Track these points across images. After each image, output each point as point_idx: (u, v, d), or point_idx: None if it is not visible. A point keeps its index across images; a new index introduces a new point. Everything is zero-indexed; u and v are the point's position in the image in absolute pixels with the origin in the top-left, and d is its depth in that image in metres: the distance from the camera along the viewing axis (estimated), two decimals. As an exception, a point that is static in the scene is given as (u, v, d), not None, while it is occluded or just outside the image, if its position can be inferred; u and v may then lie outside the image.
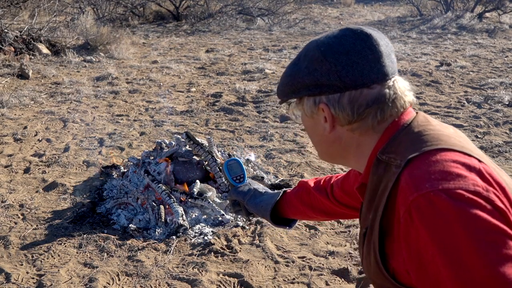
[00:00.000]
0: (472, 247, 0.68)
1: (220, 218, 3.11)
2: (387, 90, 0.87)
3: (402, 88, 0.89)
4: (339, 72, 0.86)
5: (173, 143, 3.66)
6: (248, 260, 2.72)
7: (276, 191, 1.41)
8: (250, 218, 1.49)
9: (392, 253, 0.81)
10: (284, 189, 1.42)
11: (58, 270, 2.64)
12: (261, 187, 1.43)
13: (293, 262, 2.71)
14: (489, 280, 0.67)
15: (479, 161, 0.79)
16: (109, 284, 2.55)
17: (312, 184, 1.34)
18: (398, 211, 0.77)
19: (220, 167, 3.38)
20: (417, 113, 0.91)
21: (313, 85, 0.89)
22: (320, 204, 1.31)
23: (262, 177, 3.54)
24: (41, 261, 2.73)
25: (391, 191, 0.79)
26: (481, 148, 4.32)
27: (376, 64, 0.86)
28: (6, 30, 7.99)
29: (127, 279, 2.59)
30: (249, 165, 3.75)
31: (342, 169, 3.88)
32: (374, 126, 0.88)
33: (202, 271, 2.63)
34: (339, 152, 0.96)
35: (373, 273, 0.86)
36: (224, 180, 3.31)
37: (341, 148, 0.94)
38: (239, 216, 3.10)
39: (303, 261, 2.73)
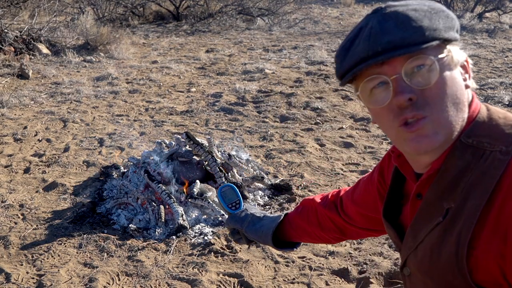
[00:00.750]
0: None
1: (220, 218, 3.11)
2: None
3: None
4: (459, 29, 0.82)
5: (173, 143, 3.66)
6: (248, 260, 2.72)
7: (276, 214, 1.33)
8: (252, 245, 1.42)
9: (478, 244, 0.75)
10: (285, 212, 1.34)
11: (58, 270, 2.64)
12: (258, 212, 1.34)
13: (293, 262, 2.71)
14: None
15: None
16: (109, 284, 2.55)
17: (318, 200, 1.25)
18: (503, 198, 0.73)
19: (220, 167, 3.38)
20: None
21: (457, 30, 0.82)
22: (328, 222, 1.22)
23: (262, 177, 3.54)
24: (41, 261, 2.73)
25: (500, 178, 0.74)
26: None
27: None
28: (6, 30, 7.99)
29: (127, 279, 2.59)
30: (249, 165, 3.75)
31: (342, 169, 3.88)
32: None
33: (202, 271, 2.64)
34: (460, 119, 0.82)
35: (442, 266, 0.79)
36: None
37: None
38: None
39: (303, 261, 2.73)
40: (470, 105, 0.82)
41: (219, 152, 3.63)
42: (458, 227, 0.77)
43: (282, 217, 1.30)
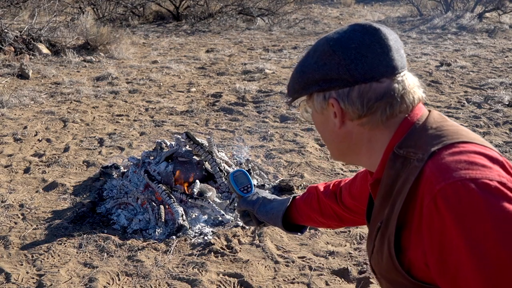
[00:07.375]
0: (499, 240, 0.67)
1: (220, 218, 3.11)
2: (396, 85, 0.87)
3: (412, 84, 0.89)
4: (348, 65, 0.86)
5: (173, 144, 3.66)
6: (248, 260, 2.72)
7: (285, 197, 1.39)
8: (261, 227, 1.47)
9: (409, 245, 0.80)
10: (294, 194, 1.39)
11: (58, 270, 2.64)
12: (269, 195, 1.42)
13: (293, 262, 2.71)
14: None
15: (500, 155, 0.80)
16: (109, 284, 2.55)
17: (321, 189, 1.33)
18: (420, 202, 0.77)
19: (220, 167, 3.38)
20: (429, 110, 0.92)
21: (322, 80, 0.89)
22: (329, 210, 1.30)
23: (263, 185, 3.54)
24: (41, 261, 2.73)
25: (413, 183, 0.79)
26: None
27: (384, 57, 0.86)
28: (6, 30, 7.99)
29: (127, 279, 2.59)
30: (249, 164, 3.75)
31: (342, 169, 3.88)
32: (384, 121, 0.88)
33: (202, 271, 2.63)
34: (351, 148, 0.95)
35: (385, 268, 0.85)
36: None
37: (353, 144, 0.93)
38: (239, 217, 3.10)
39: (303, 261, 2.72)
40: (412, 111, 0.89)
41: (219, 152, 3.62)
42: (388, 232, 0.84)
43: (290, 201, 1.37)
